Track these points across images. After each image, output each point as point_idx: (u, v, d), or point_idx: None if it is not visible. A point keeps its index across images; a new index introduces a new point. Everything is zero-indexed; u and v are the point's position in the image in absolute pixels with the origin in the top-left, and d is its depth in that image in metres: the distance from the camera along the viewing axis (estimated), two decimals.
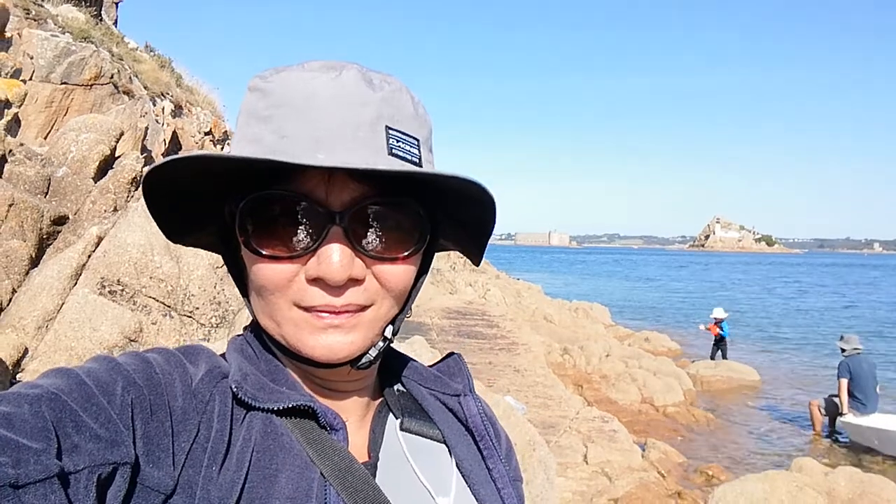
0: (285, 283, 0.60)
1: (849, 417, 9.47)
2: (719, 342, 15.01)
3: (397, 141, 0.60)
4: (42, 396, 0.48)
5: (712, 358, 14.99)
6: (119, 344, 4.51)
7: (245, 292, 0.69)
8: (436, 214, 0.67)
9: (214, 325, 5.10)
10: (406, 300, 0.68)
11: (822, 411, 10.04)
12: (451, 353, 0.84)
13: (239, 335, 0.73)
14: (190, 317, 5.03)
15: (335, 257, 0.58)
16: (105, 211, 5.65)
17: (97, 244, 4.98)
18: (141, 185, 0.60)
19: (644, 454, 7.73)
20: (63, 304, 4.63)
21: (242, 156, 0.55)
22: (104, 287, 4.73)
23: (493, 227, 0.68)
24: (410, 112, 0.63)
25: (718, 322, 14.82)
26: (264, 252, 0.60)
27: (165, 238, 0.69)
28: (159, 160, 0.57)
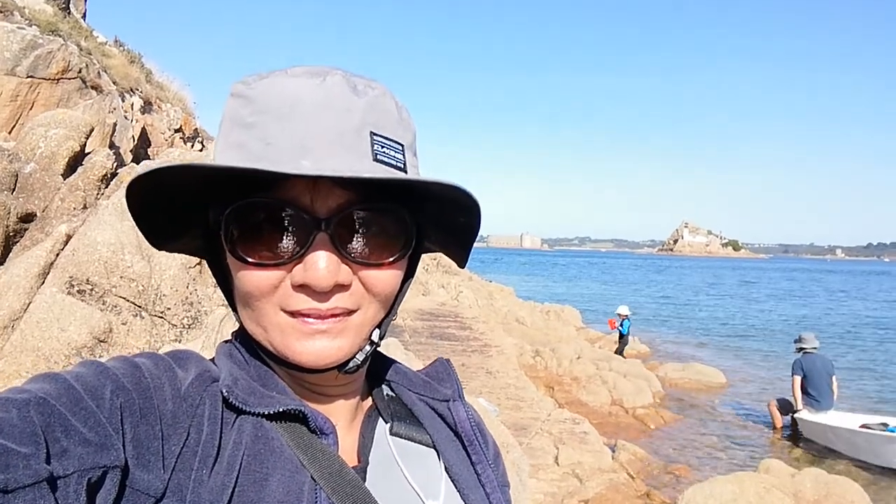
0: (271, 289, 0.60)
1: (804, 414, 9.73)
2: (620, 338, 15.34)
3: (382, 146, 0.61)
4: (30, 401, 0.48)
5: (618, 353, 15.14)
6: (88, 345, 4.41)
7: (231, 298, 0.69)
8: (421, 219, 0.68)
9: (186, 326, 5.02)
10: (392, 304, 0.69)
11: (780, 410, 10.32)
12: (440, 359, 0.85)
13: (227, 340, 0.72)
14: (161, 317, 4.94)
15: (321, 264, 0.59)
16: (74, 208, 5.53)
17: (66, 242, 4.86)
18: (125, 193, 0.59)
19: (614, 455, 7.81)
20: (30, 303, 4.51)
21: (228, 165, 0.55)
22: (73, 286, 4.62)
23: (478, 231, 0.69)
24: (395, 117, 0.64)
25: (622, 319, 15.15)
26: (250, 259, 0.60)
27: (148, 244, 0.68)
28: (144, 168, 0.57)
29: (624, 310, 15.34)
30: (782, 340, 20.41)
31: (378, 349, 0.73)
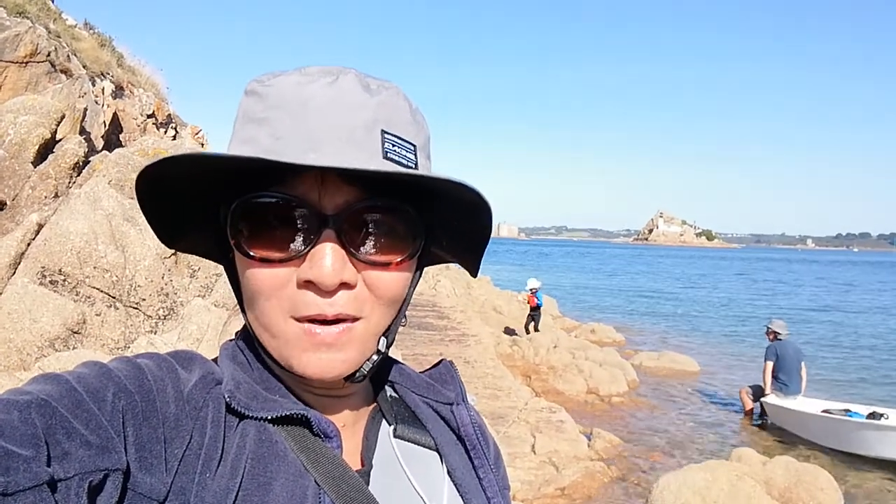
0: (278, 287, 0.59)
1: (771, 398, 9.98)
2: (534, 311, 15.70)
3: (393, 145, 0.60)
4: (32, 403, 0.47)
5: (526, 329, 15.54)
6: (61, 336, 4.33)
7: (241, 300, 0.67)
8: (431, 222, 0.67)
9: (162, 318, 4.96)
10: (399, 309, 0.67)
11: (751, 397, 10.58)
12: (443, 361, 0.85)
13: (231, 341, 0.72)
14: (136, 308, 4.87)
15: (327, 261, 0.58)
16: (45, 197, 5.41)
17: (37, 232, 4.76)
18: (135, 188, 0.59)
19: (590, 443, 7.93)
20: (0, 294, 4.42)
21: (233, 154, 0.55)
22: (45, 277, 4.53)
23: (489, 233, 0.68)
24: (407, 118, 0.63)
25: (534, 292, 15.52)
26: (256, 255, 0.60)
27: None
28: (148, 160, 0.56)
29: (534, 282, 15.72)
30: (754, 328, 20.82)
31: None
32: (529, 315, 15.78)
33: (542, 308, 15.83)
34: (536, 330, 15.41)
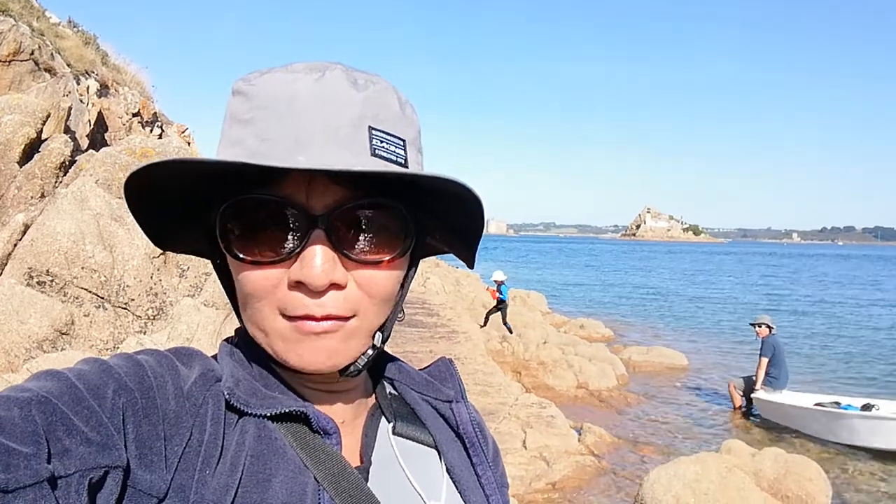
0: (269, 288, 0.59)
1: (760, 393, 10.12)
2: (500, 304, 15.55)
3: (381, 141, 0.59)
4: (32, 400, 0.47)
5: (504, 324, 15.26)
6: (49, 337, 4.30)
7: (234, 301, 0.67)
8: (423, 217, 0.66)
9: (151, 318, 4.92)
10: (394, 305, 0.67)
11: (740, 391, 10.70)
12: (442, 358, 0.84)
13: (230, 338, 0.72)
14: (125, 308, 4.84)
15: (317, 261, 0.57)
16: (31, 197, 5.36)
17: (23, 232, 4.72)
18: (123, 193, 0.58)
19: (580, 438, 7.97)
20: None
21: (218, 160, 0.54)
22: (32, 278, 4.49)
23: (482, 227, 0.67)
24: (396, 112, 0.62)
25: (499, 285, 15.43)
26: (246, 257, 0.60)
27: (154, 245, 0.66)
28: (136, 163, 0.56)
29: (500, 275, 15.58)
30: (742, 323, 21.00)
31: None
32: (495, 308, 15.58)
33: (506, 301, 15.56)
34: (505, 323, 15.15)
